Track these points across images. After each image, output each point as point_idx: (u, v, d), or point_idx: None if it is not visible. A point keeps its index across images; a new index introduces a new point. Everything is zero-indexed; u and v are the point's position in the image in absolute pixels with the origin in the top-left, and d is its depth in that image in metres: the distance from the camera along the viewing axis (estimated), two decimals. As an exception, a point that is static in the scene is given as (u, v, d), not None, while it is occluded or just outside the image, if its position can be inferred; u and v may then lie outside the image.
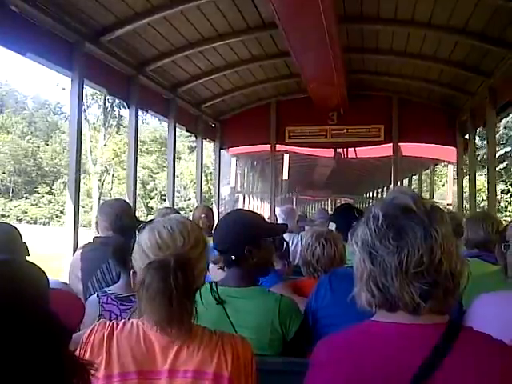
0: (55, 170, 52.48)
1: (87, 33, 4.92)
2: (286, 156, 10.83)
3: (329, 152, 10.35)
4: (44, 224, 45.32)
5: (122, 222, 3.23)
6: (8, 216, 44.38)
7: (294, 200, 13.21)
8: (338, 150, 9.89)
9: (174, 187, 7.34)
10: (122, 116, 38.69)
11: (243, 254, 2.12)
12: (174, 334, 1.41)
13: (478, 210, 8.02)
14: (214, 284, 2.07)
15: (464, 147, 8.53)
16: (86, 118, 39.69)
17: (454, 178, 10.71)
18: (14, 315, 0.70)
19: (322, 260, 2.98)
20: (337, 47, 5.48)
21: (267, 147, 9.41)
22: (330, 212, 8.10)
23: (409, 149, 9.20)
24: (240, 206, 10.80)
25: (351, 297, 1.24)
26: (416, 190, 14.26)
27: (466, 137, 8.20)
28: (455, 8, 5.08)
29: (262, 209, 12.75)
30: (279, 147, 9.43)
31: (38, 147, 55.39)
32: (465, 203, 8.57)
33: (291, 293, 2.80)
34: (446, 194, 12.81)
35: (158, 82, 6.64)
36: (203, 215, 4.71)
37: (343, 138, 8.98)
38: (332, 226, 3.60)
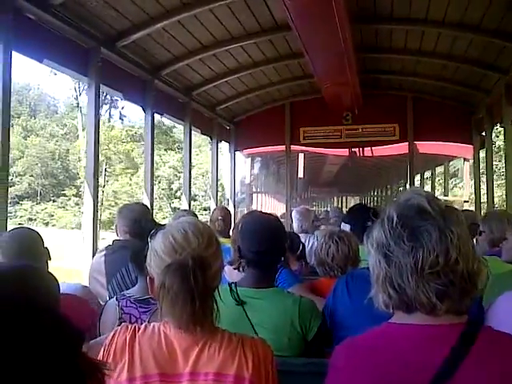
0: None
1: (103, 38, 4.98)
2: (301, 156, 10.75)
3: (344, 152, 10.31)
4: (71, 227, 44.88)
5: (141, 225, 3.26)
6: (35, 219, 44.15)
7: (298, 199, 12.96)
8: (353, 149, 9.84)
9: (190, 189, 7.39)
10: (114, 99, 35.10)
11: (283, 257, 2.22)
12: (198, 333, 1.42)
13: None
14: (233, 285, 2.09)
15: (480, 145, 8.45)
16: (78, 106, 35.99)
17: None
18: (30, 319, 0.71)
19: (337, 258, 2.99)
20: (350, 47, 5.47)
21: (282, 148, 9.42)
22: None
23: (423, 146, 9.12)
24: (254, 206, 10.79)
25: (368, 299, 1.25)
26: (430, 187, 14.17)
27: (483, 134, 8.13)
28: (469, 5, 5.05)
29: (275, 209, 12.73)
30: (294, 148, 9.43)
31: (68, 150, 55.52)
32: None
33: (309, 293, 2.81)
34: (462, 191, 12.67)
35: (173, 86, 6.69)
36: (220, 217, 4.75)
37: (358, 137, 8.95)
38: (345, 227, 3.60)
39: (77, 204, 45.27)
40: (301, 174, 11.70)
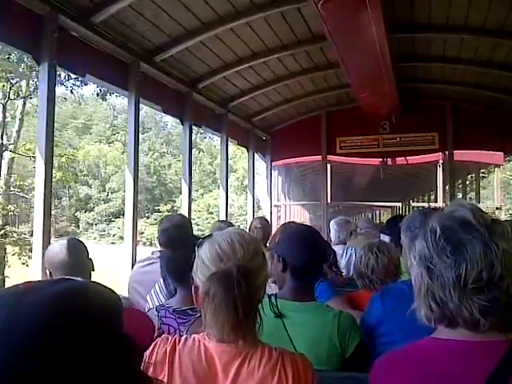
0: (180, 185, 51.25)
1: (142, 53, 5.10)
2: (329, 167, 10.65)
3: (377, 162, 10.20)
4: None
5: (169, 235, 3.31)
6: (124, 238, 42.70)
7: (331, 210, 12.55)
8: (384, 158, 9.71)
9: (227, 201, 7.42)
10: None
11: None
12: (239, 346, 1.42)
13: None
14: (273, 297, 2.08)
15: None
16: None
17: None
18: (86, 339, 0.72)
19: (377, 270, 2.94)
20: (387, 57, 5.44)
21: (318, 158, 9.39)
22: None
23: (456, 154, 8.95)
24: (282, 217, 10.73)
25: (408, 313, 1.23)
26: (461, 194, 13.90)
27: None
28: (509, 12, 4.96)
29: (302, 219, 12.61)
30: (330, 158, 9.39)
31: (170, 164, 55.64)
32: None
33: (347, 307, 2.78)
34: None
35: (210, 98, 6.77)
36: (259, 225, 4.76)
37: (396, 146, 8.86)
38: (384, 238, 3.55)
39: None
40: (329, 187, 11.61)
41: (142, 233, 42.29)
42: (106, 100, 22.60)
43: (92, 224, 50.63)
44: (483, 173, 12.54)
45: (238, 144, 8.40)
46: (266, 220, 5.21)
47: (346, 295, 3.12)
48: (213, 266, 1.47)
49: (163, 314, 2.34)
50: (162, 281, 2.98)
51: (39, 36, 3.78)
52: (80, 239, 2.91)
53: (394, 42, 5.70)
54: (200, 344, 1.45)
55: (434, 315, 1.17)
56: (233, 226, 4.83)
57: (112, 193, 51.29)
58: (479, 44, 5.99)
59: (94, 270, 2.69)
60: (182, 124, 6.14)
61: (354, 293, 3.13)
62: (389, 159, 9.41)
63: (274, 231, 5.28)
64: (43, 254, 3.44)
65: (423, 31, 5.82)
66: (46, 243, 3.58)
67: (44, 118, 3.74)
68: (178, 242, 2.74)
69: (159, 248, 3.43)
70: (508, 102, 7.74)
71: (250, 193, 8.65)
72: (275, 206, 10.30)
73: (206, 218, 38.40)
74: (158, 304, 2.67)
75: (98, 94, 19.31)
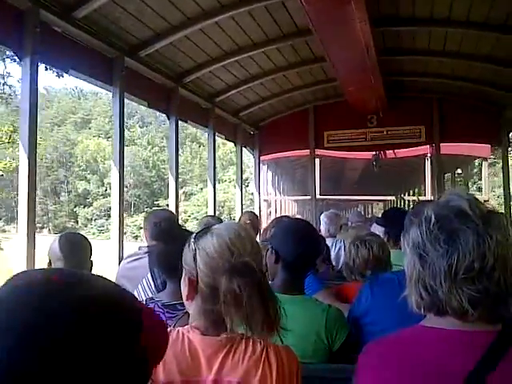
0: (180, 179, 50.41)
1: (126, 48, 5.06)
2: (317, 161, 10.67)
3: (369, 155, 10.24)
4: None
5: (162, 228, 3.30)
6: (125, 233, 42.30)
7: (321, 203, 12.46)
8: (377, 152, 9.75)
9: (215, 196, 7.41)
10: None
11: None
12: (224, 337, 1.40)
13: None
14: None
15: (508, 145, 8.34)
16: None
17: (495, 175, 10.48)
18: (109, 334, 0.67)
19: (357, 262, 2.98)
20: (372, 51, 5.45)
21: (306, 152, 9.41)
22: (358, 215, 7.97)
23: (444, 147, 9.02)
24: (271, 211, 10.78)
25: (398, 301, 1.23)
26: (449, 187, 13.99)
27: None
28: (493, 4, 4.98)
29: (291, 212, 12.64)
30: (318, 152, 9.41)
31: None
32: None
33: (334, 299, 2.79)
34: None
35: (196, 93, 6.74)
36: (249, 221, 4.78)
37: (383, 140, 8.90)
38: (375, 229, 3.56)
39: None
40: (318, 181, 11.66)
41: (141, 227, 41.51)
42: (62, 77, 22.04)
43: (91, 219, 50.18)
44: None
45: (226, 139, 8.38)
46: (255, 214, 5.23)
47: (334, 288, 3.13)
48: (221, 259, 1.43)
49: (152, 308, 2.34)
50: (149, 276, 2.97)
51: (21, 31, 3.72)
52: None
53: (378, 35, 5.71)
54: (184, 337, 1.43)
55: (423, 303, 1.17)
56: (222, 221, 4.82)
57: (111, 187, 50.89)
58: (464, 37, 6.01)
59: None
60: (168, 119, 6.11)
61: (342, 285, 3.15)
62: (381, 153, 9.47)
63: (263, 225, 5.29)
64: (28, 247, 3.47)
65: (408, 24, 5.83)
66: (32, 237, 3.59)
67: (27, 114, 3.70)
68: (171, 235, 2.73)
69: (146, 243, 3.41)
70: (494, 95, 7.79)
71: (238, 187, 8.66)
72: (264, 200, 10.31)
73: (206, 213, 38.17)
74: (148, 298, 2.66)
75: (47, 68, 18.87)
